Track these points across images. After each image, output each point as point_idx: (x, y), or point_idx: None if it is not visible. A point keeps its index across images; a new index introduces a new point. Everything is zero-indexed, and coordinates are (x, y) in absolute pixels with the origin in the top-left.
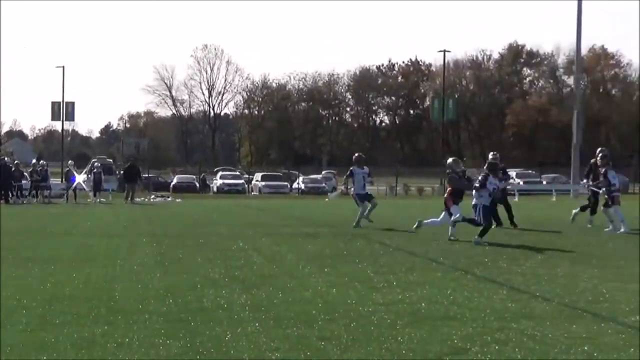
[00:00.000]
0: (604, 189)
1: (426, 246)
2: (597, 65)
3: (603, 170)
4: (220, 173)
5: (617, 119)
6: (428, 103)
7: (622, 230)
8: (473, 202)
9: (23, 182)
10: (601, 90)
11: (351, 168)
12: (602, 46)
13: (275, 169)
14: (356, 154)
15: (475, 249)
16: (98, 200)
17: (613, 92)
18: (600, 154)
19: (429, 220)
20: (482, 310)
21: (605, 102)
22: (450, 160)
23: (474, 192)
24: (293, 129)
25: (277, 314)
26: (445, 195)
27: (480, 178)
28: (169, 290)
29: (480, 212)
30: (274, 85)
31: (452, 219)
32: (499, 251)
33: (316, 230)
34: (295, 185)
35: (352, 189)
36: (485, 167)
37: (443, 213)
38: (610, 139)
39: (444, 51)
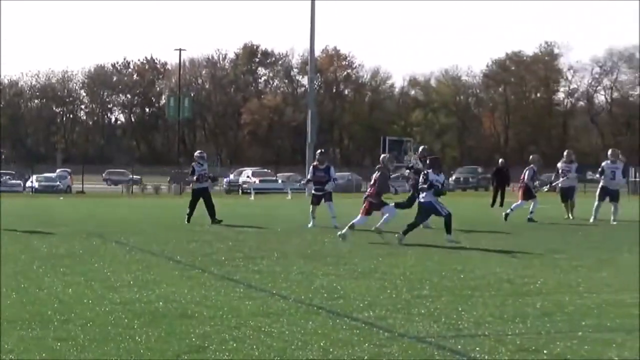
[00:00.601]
0: (331, 182)
1: (163, 245)
2: (330, 66)
3: (324, 166)
4: None
5: (349, 119)
6: (164, 101)
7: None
8: (421, 201)
9: None
10: (334, 90)
11: None
12: (335, 47)
13: (8, 167)
14: None
15: (212, 246)
16: None
17: (345, 92)
18: (319, 151)
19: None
20: (219, 309)
21: (338, 103)
22: (385, 155)
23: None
24: (26, 127)
25: (11, 315)
26: (367, 194)
27: (422, 179)
28: None
29: (437, 205)
30: (6, 81)
31: (387, 219)
32: (235, 249)
33: (51, 230)
34: (28, 183)
35: None
36: (427, 164)
37: (360, 216)
38: (343, 138)
39: (180, 50)
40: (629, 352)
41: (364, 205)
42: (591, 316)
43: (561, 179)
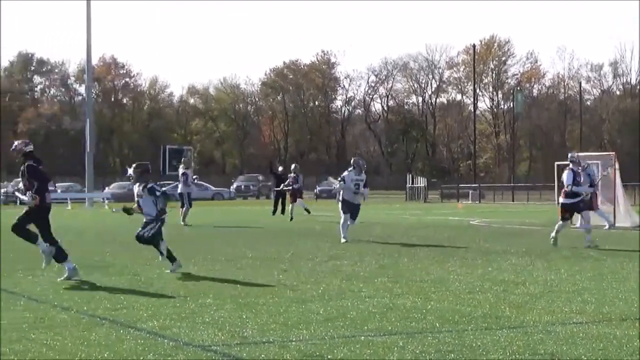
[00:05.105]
0: None
1: None
2: (108, 75)
3: None
4: None
5: (129, 128)
6: None
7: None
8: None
9: None
10: (112, 99)
11: None
12: (112, 56)
13: None
14: None
15: None
16: None
17: (124, 101)
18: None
19: None
20: None
21: (117, 111)
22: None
23: None
24: None
25: None
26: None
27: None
28: None
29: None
30: None
31: None
32: (17, 261)
33: None
34: None
35: None
36: None
37: None
38: (123, 147)
39: None
40: (410, 354)
41: None
42: (373, 320)
43: None
